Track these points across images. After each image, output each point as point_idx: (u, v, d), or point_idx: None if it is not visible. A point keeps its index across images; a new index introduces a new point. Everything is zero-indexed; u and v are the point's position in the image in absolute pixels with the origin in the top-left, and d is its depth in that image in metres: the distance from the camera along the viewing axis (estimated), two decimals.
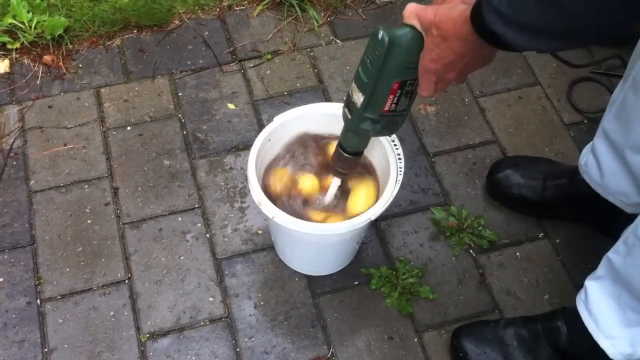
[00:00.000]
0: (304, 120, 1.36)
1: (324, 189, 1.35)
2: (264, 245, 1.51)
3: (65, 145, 1.63)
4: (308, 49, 1.84)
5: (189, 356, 1.38)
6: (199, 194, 1.58)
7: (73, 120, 1.67)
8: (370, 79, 1.02)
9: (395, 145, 1.30)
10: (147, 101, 1.72)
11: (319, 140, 1.38)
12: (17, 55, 1.76)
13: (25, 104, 1.69)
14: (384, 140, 1.29)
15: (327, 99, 1.74)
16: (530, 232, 1.56)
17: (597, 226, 1.53)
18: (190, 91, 1.74)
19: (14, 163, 1.60)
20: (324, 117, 1.36)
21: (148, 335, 1.40)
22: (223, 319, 1.42)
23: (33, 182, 1.57)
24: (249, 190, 1.26)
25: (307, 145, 1.38)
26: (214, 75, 1.77)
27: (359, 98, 1.05)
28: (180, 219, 1.54)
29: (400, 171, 1.27)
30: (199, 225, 1.53)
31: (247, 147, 1.61)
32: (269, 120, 1.44)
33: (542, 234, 1.56)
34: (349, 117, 1.10)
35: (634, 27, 0.75)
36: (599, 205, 1.43)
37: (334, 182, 1.29)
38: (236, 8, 1.90)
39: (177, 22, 1.86)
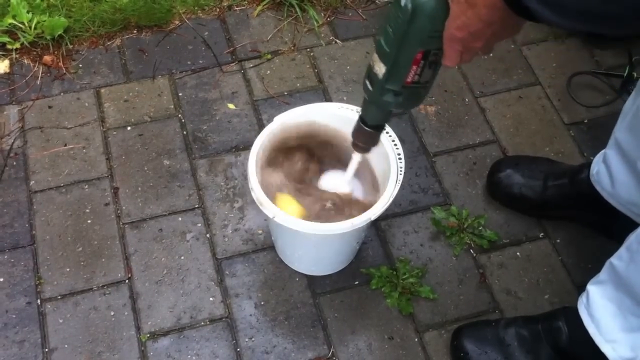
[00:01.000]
0: (305, 119, 1.35)
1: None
2: (264, 245, 1.51)
3: (65, 145, 1.63)
4: (308, 49, 1.84)
5: (189, 356, 1.38)
6: (199, 194, 1.58)
7: (73, 120, 1.67)
8: (392, 48, 0.97)
9: (395, 145, 1.29)
10: (147, 101, 1.72)
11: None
12: (17, 56, 1.76)
13: (25, 104, 1.69)
14: (385, 139, 1.29)
15: (327, 99, 1.74)
16: (531, 232, 1.56)
17: (598, 226, 1.53)
18: (190, 91, 1.74)
19: (14, 163, 1.60)
20: (325, 117, 1.36)
21: (148, 335, 1.40)
22: (223, 319, 1.42)
23: (33, 182, 1.57)
24: (249, 190, 1.26)
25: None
26: (214, 76, 1.77)
27: (380, 69, 1.01)
28: (180, 219, 1.54)
29: (401, 171, 1.27)
30: (199, 225, 1.53)
31: (247, 147, 1.61)
32: (269, 120, 1.44)
33: (542, 234, 1.56)
34: (370, 89, 1.05)
35: None
36: (600, 206, 1.43)
37: (354, 158, 1.26)
38: (236, 8, 1.90)
39: (177, 22, 1.86)
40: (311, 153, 1.42)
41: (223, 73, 1.78)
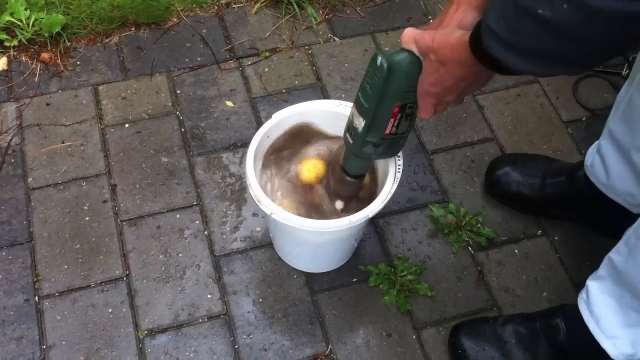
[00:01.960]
0: (303, 117, 1.35)
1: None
2: (262, 243, 1.51)
3: (63, 142, 1.63)
4: (306, 47, 1.84)
5: (187, 353, 1.38)
6: (197, 192, 1.57)
7: (71, 117, 1.67)
8: (370, 104, 1.03)
9: None
10: (145, 99, 1.71)
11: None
12: (14, 53, 1.76)
13: (23, 101, 1.69)
14: None
15: (326, 96, 1.74)
16: (529, 230, 1.56)
17: (596, 224, 1.53)
18: (188, 89, 1.74)
19: (12, 160, 1.60)
20: (323, 114, 1.36)
21: (146, 332, 1.40)
22: (221, 316, 1.42)
23: (31, 179, 1.57)
24: (248, 187, 1.26)
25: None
26: (212, 73, 1.77)
27: (360, 123, 1.06)
28: (178, 216, 1.54)
29: (399, 169, 1.27)
30: (197, 222, 1.53)
31: (245, 144, 1.61)
32: (267, 117, 1.43)
33: (540, 232, 1.56)
34: (351, 141, 1.12)
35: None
36: (598, 203, 1.43)
37: (338, 206, 1.31)
38: (234, 5, 1.90)
39: (175, 19, 1.86)
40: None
41: (221, 70, 1.77)
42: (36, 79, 1.73)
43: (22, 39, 1.75)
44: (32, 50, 1.76)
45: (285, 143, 1.37)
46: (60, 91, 1.72)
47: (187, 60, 1.79)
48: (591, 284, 1.25)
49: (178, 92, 1.73)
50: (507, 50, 0.80)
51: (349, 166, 1.21)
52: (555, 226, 1.57)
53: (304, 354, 1.39)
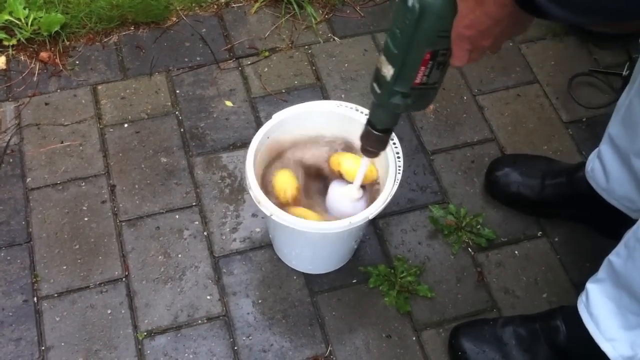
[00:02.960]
0: (303, 118, 1.35)
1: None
2: (261, 243, 1.51)
3: (61, 142, 1.63)
4: (306, 47, 1.83)
5: (186, 354, 1.37)
6: (196, 192, 1.57)
7: (70, 117, 1.67)
8: (400, 50, 0.95)
9: (394, 143, 1.29)
10: (144, 98, 1.71)
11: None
12: (13, 52, 1.75)
13: (21, 100, 1.68)
14: None
15: (325, 96, 1.73)
16: (529, 231, 1.56)
17: (596, 225, 1.53)
18: (187, 88, 1.73)
19: (11, 160, 1.59)
20: (323, 115, 1.35)
21: (145, 334, 1.39)
22: (221, 317, 1.42)
23: (30, 179, 1.57)
24: (247, 188, 1.26)
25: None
26: (211, 73, 1.76)
27: (388, 71, 0.99)
28: (177, 216, 1.53)
29: (399, 170, 1.27)
30: (197, 223, 1.53)
31: (245, 144, 1.61)
32: (267, 117, 1.43)
33: (540, 233, 1.56)
34: (378, 91, 1.04)
35: None
36: (598, 204, 1.43)
37: (363, 163, 1.25)
38: (234, 5, 1.89)
39: (174, 19, 1.85)
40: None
41: (220, 70, 1.77)
42: (35, 79, 1.72)
43: (21, 38, 1.74)
44: (31, 49, 1.76)
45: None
46: (59, 91, 1.71)
47: (186, 59, 1.78)
48: (591, 286, 1.25)
49: (177, 91, 1.72)
50: None
51: (375, 119, 1.13)
52: (555, 227, 1.56)
53: (304, 355, 1.38)
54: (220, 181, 1.59)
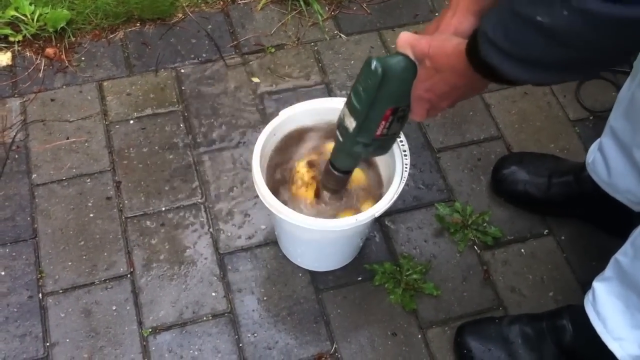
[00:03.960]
0: (310, 114, 1.34)
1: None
2: (267, 240, 1.50)
3: (67, 138, 1.62)
4: (312, 44, 1.83)
5: (191, 351, 1.37)
6: (202, 188, 1.57)
7: (75, 113, 1.66)
8: (362, 106, 1.02)
9: (401, 141, 1.28)
10: (149, 95, 1.71)
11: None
12: (19, 48, 1.75)
13: (27, 97, 1.68)
14: None
15: (331, 93, 1.73)
16: (535, 229, 1.56)
17: (602, 224, 1.53)
18: (193, 85, 1.73)
19: (16, 156, 1.59)
20: (329, 112, 1.35)
21: (150, 330, 1.39)
22: (226, 314, 1.42)
23: (35, 175, 1.56)
24: (253, 185, 1.25)
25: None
26: (217, 69, 1.76)
27: (351, 123, 1.05)
28: (183, 213, 1.53)
29: (406, 168, 1.26)
30: (202, 219, 1.52)
31: (251, 141, 1.61)
32: (273, 114, 1.43)
33: (546, 231, 1.55)
34: (341, 140, 1.11)
35: None
36: (604, 203, 1.42)
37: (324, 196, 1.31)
38: (240, 2, 1.89)
39: (180, 15, 1.85)
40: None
41: (226, 67, 1.76)
42: (41, 75, 1.72)
43: (27, 34, 1.74)
44: (37, 45, 1.76)
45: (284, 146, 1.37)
46: (64, 87, 1.71)
47: (192, 56, 1.78)
48: (597, 285, 1.24)
49: (183, 88, 1.72)
50: (505, 59, 0.78)
51: (337, 162, 1.19)
52: (561, 226, 1.56)
53: (309, 352, 1.38)
54: (225, 178, 1.58)
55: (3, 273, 1.44)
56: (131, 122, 1.66)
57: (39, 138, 1.62)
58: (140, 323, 1.40)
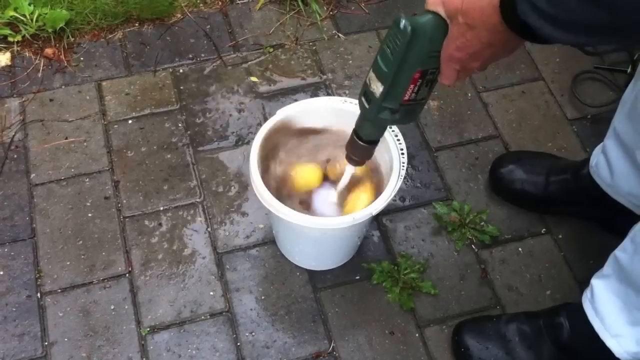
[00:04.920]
0: (307, 114, 1.35)
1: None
2: (265, 239, 1.51)
3: (66, 138, 1.63)
4: (310, 43, 1.83)
5: (189, 350, 1.37)
6: (200, 188, 1.57)
7: (74, 113, 1.67)
8: (390, 69, 0.97)
9: (398, 139, 1.29)
10: (148, 94, 1.71)
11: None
12: (18, 48, 1.76)
13: (26, 97, 1.69)
14: (387, 134, 1.28)
15: (330, 92, 1.73)
16: (533, 228, 1.56)
17: (600, 222, 1.53)
18: (191, 85, 1.73)
19: (15, 156, 1.59)
20: (327, 111, 1.35)
21: (148, 329, 1.39)
22: (224, 313, 1.42)
23: (34, 175, 1.57)
24: (251, 184, 1.26)
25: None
26: (215, 69, 1.76)
27: (377, 88, 1.01)
28: (181, 212, 1.53)
29: (403, 166, 1.26)
30: (200, 219, 1.53)
31: (249, 140, 1.61)
32: (271, 113, 1.43)
33: (544, 230, 1.56)
34: (367, 106, 1.05)
35: None
36: (602, 202, 1.42)
37: (348, 170, 1.26)
38: (238, 1, 1.89)
39: (179, 15, 1.85)
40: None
41: (225, 66, 1.77)
42: (40, 75, 1.72)
43: (26, 34, 1.74)
44: (36, 45, 1.76)
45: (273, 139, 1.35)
46: (63, 87, 1.71)
47: (190, 56, 1.78)
48: (596, 282, 1.24)
49: (181, 87, 1.72)
50: (545, 20, 0.75)
51: (363, 131, 1.15)
52: (559, 224, 1.56)
53: (307, 351, 1.38)
54: (224, 177, 1.59)
55: (2, 272, 1.44)
56: (130, 121, 1.66)
57: (38, 138, 1.62)
58: (138, 322, 1.40)
